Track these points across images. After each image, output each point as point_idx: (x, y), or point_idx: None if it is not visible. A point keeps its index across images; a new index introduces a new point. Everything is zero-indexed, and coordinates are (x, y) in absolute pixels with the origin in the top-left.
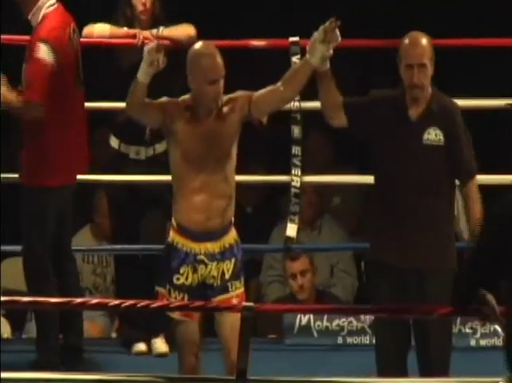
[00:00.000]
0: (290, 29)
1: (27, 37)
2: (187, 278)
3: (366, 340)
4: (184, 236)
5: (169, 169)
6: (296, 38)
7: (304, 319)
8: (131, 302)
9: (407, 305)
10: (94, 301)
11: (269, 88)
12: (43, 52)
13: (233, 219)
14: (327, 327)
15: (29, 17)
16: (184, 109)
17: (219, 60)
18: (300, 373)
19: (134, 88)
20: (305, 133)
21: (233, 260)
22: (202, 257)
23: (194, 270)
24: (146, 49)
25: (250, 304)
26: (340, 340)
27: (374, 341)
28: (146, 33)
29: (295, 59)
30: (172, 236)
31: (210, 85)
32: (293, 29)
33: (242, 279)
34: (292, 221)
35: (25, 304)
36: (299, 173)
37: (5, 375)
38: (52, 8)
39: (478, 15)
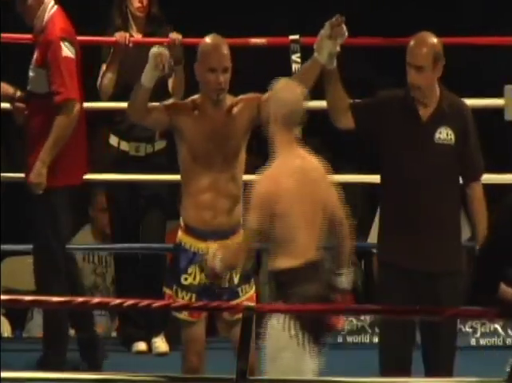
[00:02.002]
0: (290, 28)
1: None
2: (194, 278)
3: (366, 339)
4: (192, 236)
5: (168, 168)
6: (296, 36)
7: None
8: (132, 301)
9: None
10: (95, 300)
11: None
12: (66, 49)
13: (241, 220)
14: None
15: (33, 22)
16: (192, 108)
17: (224, 51)
18: None
19: (136, 92)
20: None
21: None
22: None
23: (202, 270)
24: (151, 53)
25: (251, 304)
26: (340, 339)
27: (378, 339)
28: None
29: (295, 57)
30: (180, 237)
31: (210, 73)
32: (294, 27)
33: (252, 280)
34: None
35: (26, 303)
36: None
37: (5, 374)
38: (55, 8)
39: (481, 14)
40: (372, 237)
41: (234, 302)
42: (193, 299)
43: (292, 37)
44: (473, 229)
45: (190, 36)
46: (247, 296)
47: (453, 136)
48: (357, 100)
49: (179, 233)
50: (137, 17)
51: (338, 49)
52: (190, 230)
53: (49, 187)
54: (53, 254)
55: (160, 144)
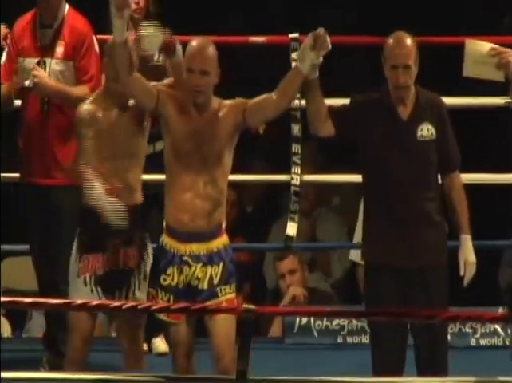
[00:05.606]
0: (290, 26)
1: None
2: (173, 279)
3: (366, 339)
4: (172, 237)
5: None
6: (295, 34)
7: (304, 318)
8: (131, 304)
9: (412, 305)
10: (95, 302)
11: (263, 96)
12: (96, 44)
13: (224, 224)
14: (327, 326)
15: (56, 16)
16: (179, 102)
17: (206, 54)
18: (300, 372)
19: (114, 53)
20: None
21: (221, 265)
22: (186, 258)
23: (180, 272)
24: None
25: (251, 306)
26: (340, 339)
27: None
28: None
29: (295, 55)
30: (162, 237)
31: (189, 73)
32: (293, 25)
33: (233, 285)
34: (292, 219)
35: (26, 305)
36: (299, 171)
37: (5, 375)
38: (66, 4)
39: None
40: (357, 237)
41: (212, 302)
42: (171, 301)
43: (292, 35)
44: (457, 220)
45: (190, 36)
46: (227, 297)
47: (434, 131)
48: (335, 107)
49: (163, 233)
50: (135, 18)
51: (321, 60)
52: (170, 231)
53: (64, 187)
54: None
55: (161, 145)
